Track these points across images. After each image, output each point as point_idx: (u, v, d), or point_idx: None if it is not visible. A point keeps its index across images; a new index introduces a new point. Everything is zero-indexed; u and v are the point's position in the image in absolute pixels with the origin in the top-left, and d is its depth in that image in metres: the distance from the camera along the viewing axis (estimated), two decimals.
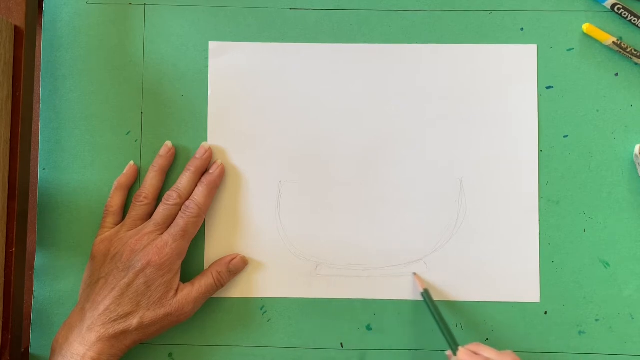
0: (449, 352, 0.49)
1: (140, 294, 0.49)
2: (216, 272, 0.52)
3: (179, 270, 0.51)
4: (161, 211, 0.51)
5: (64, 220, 0.54)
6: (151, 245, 0.49)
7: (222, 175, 0.53)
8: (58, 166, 0.54)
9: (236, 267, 0.53)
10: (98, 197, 0.54)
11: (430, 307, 0.51)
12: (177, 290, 0.50)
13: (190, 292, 0.51)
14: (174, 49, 0.54)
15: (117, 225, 0.52)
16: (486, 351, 0.48)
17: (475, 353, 0.48)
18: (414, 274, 0.53)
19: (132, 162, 0.54)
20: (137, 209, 0.52)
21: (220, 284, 0.52)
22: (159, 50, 0.54)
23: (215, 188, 0.53)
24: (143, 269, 0.49)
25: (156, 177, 0.53)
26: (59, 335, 0.49)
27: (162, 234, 0.50)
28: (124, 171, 0.53)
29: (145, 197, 0.52)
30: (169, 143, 0.53)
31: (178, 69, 0.54)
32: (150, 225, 0.51)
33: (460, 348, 0.49)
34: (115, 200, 0.53)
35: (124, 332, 0.48)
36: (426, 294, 0.52)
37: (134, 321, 0.48)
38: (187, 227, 0.50)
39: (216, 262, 0.53)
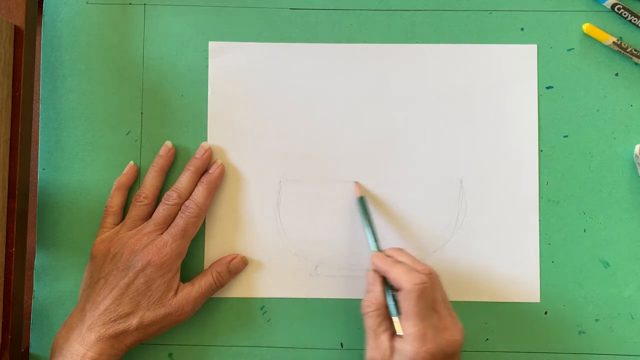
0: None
1: (140, 294, 0.49)
2: (216, 272, 0.52)
3: (179, 270, 0.51)
4: (161, 211, 0.51)
5: (64, 220, 0.54)
6: (151, 245, 0.49)
7: (222, 175, 0.53)
8: (58, 166, 0.54)
9: (236, 267, 0.53)
10: (98, 197, 0.54)
11: (362, 213, 0.52)
12: (177, 290, 0.50)
13: (190, 291, 0.51)
14: (174, 49, 0.54)
15: (117, 225, 0.52)
16: (403, 256, 0.48)
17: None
18: (356, 182, 0.53)
19: (132, 162, 0.54)
20: (137, 209, 0.52)
21: (221, 284, 0.52)
22: (159, 50, 0.54)
23: (215, 188, 0.53)
24: (143, 269, 0.49)
25: (156, 177, 0.53)
26: (59, 335, 0.49)
27: (162, 233, 0.50)
28: (124, 171, 0.53)
29: (145, 197, 0.52)
30: (168, 143, 0.53)
31: (178, 69, 0.54)
32: (150, 225, 0.51)
33: (375, 252, 0.49)
34: (115, 200, 0.53)
35: (124, 332, 0.48)
36: (361, 201, 0.52)
37: (134, 321, 0.48)
38: (186, 227, 0.50)
39: (216, 262, 0.53)
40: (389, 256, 0.49)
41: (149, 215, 0.52)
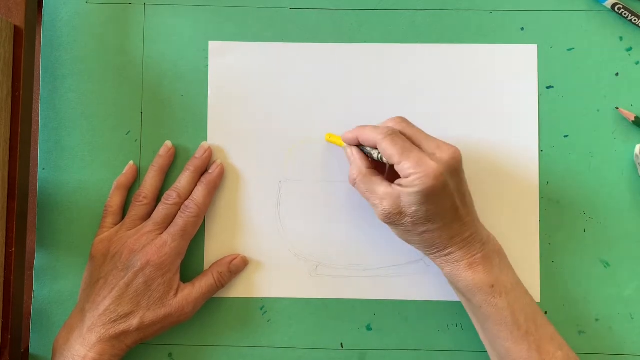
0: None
1: (140, 294, 0.49)
2: (217, 273, 0.52)
3: (179, 270, 0.51)
4: (160, 210, 0.51)
5: (63, 220, 0.54)
6: (150, 245, 0.49)
7: (221, 175, 0.53)
8: (58, 166, 0.54)
9: (237, 267, 0.53)
10: (98, 197, 0.54)
11: None
12: (177, 290, 0.50)
13: (191, 292, 0.51)
14: (174, 48, 0.54)
15: (116, 225, 0.52)
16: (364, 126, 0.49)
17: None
18: None
19: (131, 162, 0.54)
20: (137, 208, 0.52)
21: (221, 284, 0.52)
22: (159, 50, 0.54)
23: (215, 188, 0.53)
24: (142, 269, 0.49)
25: (156, 177, 0.53)
26: (60, 336, 0.49)
27: (161, 233, 0.50)
28: (124, 171, 0.53)
29: (144, 197, 0.52)
30: (168, 143, 0.53)
31: (178, 69, 0.54)
32: (149, 225, 0.51)
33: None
34: (115, 200, 0.53)
35: (124, 333, 0.48)
36: None
37: (134, 321, 0.48)
38: (186, 226, 0.50)
39: (217, 262, 0.53)
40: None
41: (149, 215, 0.52)
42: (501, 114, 0.54)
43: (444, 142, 0.47)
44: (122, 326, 0.48)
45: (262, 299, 0.54)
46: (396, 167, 0.46)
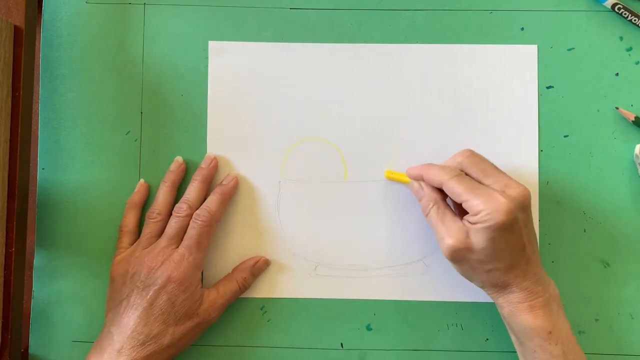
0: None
1: (165, 312, 0.48)
2: (241, 278, 0.52)
3: (200, 281, 0.51)
4: (173, 224, 0.51)
5: (63, 220, 0.54)
6: (168, 261, 0.49)
7: (235, 186, 0.53)
8: (57, 166, 0.54)
9: (260, 270, 0.53)
10: (97, 196, 0.54)
11: None
12: (201, 300, 0.50)
13: (216, 299, 0.51)
14: (174, 48, 0.54)
15: (132, 244, 0.52)
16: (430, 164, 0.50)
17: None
18: None
19: (142, 180, 0.53)
20: (151, 225, 0.52)
21: (245, 288, 0.52)
22: (159, 50, 0.54)
23: (228, 199, 0.52)
24: (164, 286, 0.48)
25: (168, 193, 0.52)
26: (91, 356, 0.48)
27: (176, 247, 0.50)
28: (135, 189, 0.53)
29: (158, 214, 0.52)
30: (179, 158, 0.53)
31: (178, 69, 0.54)
32: (164, 240, 0.50)
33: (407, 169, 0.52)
34: (129, 219, 0.52)
35: (155, 352, 0.48)
36: None
37: (164, 340, 0.48)
38: (200, 237, 0.50)
39: (239, 266, 0.53)
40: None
41: (163, 231, 0.52)
42: (501, 114, 0.54)
43: (514, 180, 0.47)
44: (152, 347, 0.48)
45: (262, 299, 0.54)
46: (464, 205, 0.46)
